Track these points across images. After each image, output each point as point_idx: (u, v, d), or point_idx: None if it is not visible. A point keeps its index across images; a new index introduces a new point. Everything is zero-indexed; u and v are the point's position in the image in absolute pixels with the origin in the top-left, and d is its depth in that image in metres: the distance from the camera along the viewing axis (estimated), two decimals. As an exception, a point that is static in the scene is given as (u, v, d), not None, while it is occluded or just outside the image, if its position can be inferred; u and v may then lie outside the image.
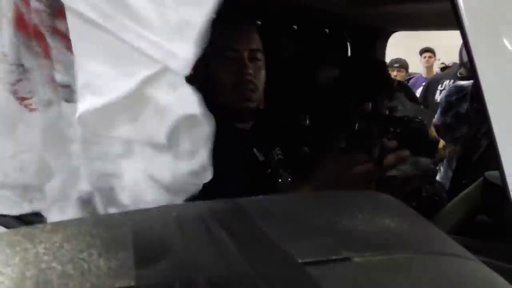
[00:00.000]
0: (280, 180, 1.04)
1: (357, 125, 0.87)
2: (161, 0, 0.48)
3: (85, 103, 0.49)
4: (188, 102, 0.50)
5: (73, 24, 0.50)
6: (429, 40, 4.03)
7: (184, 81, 0.52)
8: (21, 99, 0.60)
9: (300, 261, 0.25)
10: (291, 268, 0.25)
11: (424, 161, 1.03)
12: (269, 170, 1.04)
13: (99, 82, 0.49)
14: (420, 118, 0.83)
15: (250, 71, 0.98)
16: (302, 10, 1.52)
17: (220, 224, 0.30)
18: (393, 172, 0.97)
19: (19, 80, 0.59)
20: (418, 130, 0.80)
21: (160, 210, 0.32)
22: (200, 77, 0.95)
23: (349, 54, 1.83)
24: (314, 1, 1.44)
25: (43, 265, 0.26)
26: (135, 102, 0.49)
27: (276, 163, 1.07)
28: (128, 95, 0.48)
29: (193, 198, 0.55)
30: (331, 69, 1.72)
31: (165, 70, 0.48)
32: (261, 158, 1.04)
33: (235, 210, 0.32)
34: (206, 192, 0.58)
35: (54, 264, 0.26)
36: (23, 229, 0.30)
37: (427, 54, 3.99)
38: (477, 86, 0.56)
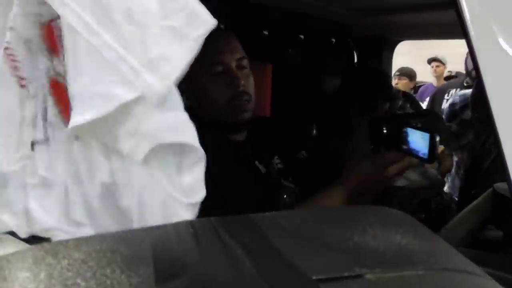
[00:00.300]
0: (284, 192, 1.03)
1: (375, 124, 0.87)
2: (147, 28, 0.47)
3: (77, 115, 0.49)
4: (177, 129, 0.51)
5: (66, 33, 0.49)
6: (438, 48, 4.02)
7: (178, 105, 0.51)
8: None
9: (314, 278, 0.26)
10: (306, 285, 0.26)
11: (432, 171, 1.03)
12: (271, 181, 1.03)
13: (88, 95, 0.49)
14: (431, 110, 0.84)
15: (242, 82, 0.96)
16: (309, 20, 1.54)
17: (236, 240, 0.31)
18: (401, 183, 0.98)
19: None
20: (436, 120, 0.82)
21: (178, 226, 0.33)
22: (192, 96, 0.94)
23: (355, 63, 1.85)
24: (320, 11, 1.46)
25: (68, 281, 0.27)
26: (116, 121, 0.49)
27: (277, 173, 1.06)
28: (110, 114, 0.48)
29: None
30: (336, 77, 1.73)
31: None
32: (263, 170, 1.02)
33: (250, 227, 0.33)
34: (213, 210, 0.59)
35: (78, 280, 0.27)
36: (47, 245, 0.31)
37: (434, 64, 3.95)
38: (483, 95, 0.56)
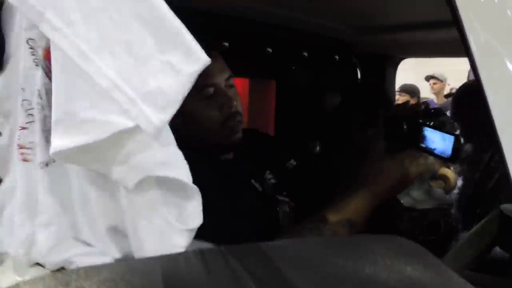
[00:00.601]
0: (280, 208, 1.00)
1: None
2: (144, 61, 0.48)
3: (58, 140, 0.49)
4: (170, 164, 0.51)
5: (55, 57, 0.49)
6: (440, 65, 4.05)
7: (171, 140, 0.52)
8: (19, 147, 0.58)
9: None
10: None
11: (437, 190, 1.03)
12: (268, 198, 1.01)
13: (78, 120, 0.48)
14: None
15: (235, 102, 0.95)
16: (312, 37, 1.56)
17: (246, 270, 0.31)
18: (406, 201, 0.97)
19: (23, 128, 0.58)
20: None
21: (188, 255, 0.33)
22: (179, 119, 0.92)
23: (358, 80, 1.86)
24: (323, 29, 1.47)
25: (80, 313, 0.27)
26: (107, 148, 0.49)
27: (271, 188, 1.03)
28: (101, 141, 0.48)
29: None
30: (339, 94, 1.74)
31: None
32: (259, 187, 1.00)
33: (260, 256, 0.33)
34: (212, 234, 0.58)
35: (90, 312, 0.27)
36: (59, 274, 0.31)
37: (432, 81, 4.00)
38: (487, 113, 0.56)
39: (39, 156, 0.56)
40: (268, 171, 1.06)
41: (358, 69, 1.83)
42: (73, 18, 0.47)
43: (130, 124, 0.48)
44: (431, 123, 0.84)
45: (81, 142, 0.48)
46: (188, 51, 0.48)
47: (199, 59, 0.48)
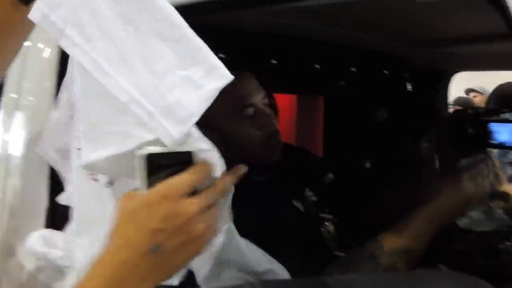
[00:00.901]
0: (324, 226, 0.97)
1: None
2: (162, 76, 0.49)
3: (87, 153, 0.51)
4: None
5: (77, 73, 0.52)
6: (494, 76, 3.88)
7: None
8: None
9: None
10: None
11: (497, 211, 0.97)
12: (311, 218, 0.97)
13: (102, 133, 0.51)
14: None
15: (274, 121, 0.94)
16: (361, 53, 1.54)
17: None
18: (464, 223, 0.93)
19: None
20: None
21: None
22: (216, 142, 0.90)
23: (408, 95, 1.81)
24: (373, 43, 1.45)
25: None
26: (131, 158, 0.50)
27: (313, 207, 1.00)
28: (126, 153, 0.49)
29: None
30: (389, 110, 1.70)
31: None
32: (301, 208, 0.97)
33: None
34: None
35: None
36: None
37: (472, 94, 3.91)
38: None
39: (103, 179, 0.59)
40: (307, 189, 1.03)
41: (409, 84, 1.78)
42: (92, 34, 0.49)
43: (150, 137, 0.49)
44: (495, 118, 0.81)
45: (108, 154, 0.50)
46: (210, 68, 0.50)
47: (223, 76, 0.50)
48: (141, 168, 0.47)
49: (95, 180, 0.60)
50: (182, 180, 0.47)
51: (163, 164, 0.47)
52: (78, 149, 0.60)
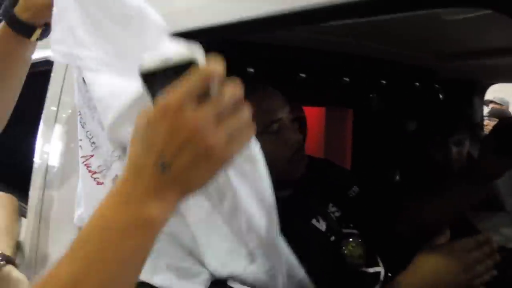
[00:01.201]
0: (347, 243, 0.94)
1: None
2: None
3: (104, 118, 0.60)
4: None
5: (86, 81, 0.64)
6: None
7: None
8: (92, 172, 0.67)
9: None
10: None
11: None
12: (333, 235, 0.94)
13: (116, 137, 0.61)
14: None
15: (300, 136, 0.92)
16: (391, 65, 1.53)
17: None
18: (497, 241, 0.90)
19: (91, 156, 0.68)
20: None
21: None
22: None
23: (440, 107, 1.78)
24: (403, 56, 1.44)
25: None
26: None
27: (335, 223, 0.97)
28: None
29: None
30: (418, 122, 1.67)
31: None
32: (323, 227, 0.94)
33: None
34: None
35: None
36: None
37: (491, 105, 3.87)
38: None
39: (107, 178, 0.63)
40: (331, 204, 1.01)
41: (440, 96, 1.75)
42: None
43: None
44: None
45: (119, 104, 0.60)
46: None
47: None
48: (144, 87, 0.43)
49: (100, 184, 0.64)
50: (180, 90, 0.41)
51: (166, 80, 0.42)
52: (82, 156, 0.66)
